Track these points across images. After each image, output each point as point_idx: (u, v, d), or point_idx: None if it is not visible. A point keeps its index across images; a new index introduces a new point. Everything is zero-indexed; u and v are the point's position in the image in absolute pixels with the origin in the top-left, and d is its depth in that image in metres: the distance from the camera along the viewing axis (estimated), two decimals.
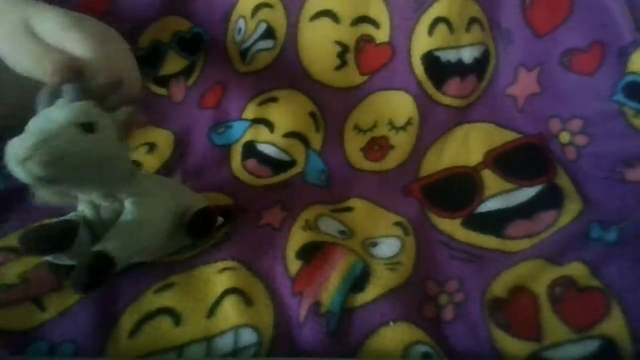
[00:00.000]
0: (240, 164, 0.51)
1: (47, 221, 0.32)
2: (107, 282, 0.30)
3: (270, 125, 0.51)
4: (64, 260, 0.33)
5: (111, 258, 0.30)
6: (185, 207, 0.39)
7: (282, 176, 0.50)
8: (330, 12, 0.50)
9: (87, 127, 0.30)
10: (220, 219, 0.43)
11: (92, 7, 0.49)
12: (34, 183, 0.28)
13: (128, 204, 0.33)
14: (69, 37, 0.34)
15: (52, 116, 0.29)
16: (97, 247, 0.30)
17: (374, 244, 0.42)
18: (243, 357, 0.33)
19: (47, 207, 0.31)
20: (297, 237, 0.40)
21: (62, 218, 0.33)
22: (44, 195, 0.30)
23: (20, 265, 0.37)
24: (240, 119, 0.53)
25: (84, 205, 0.33)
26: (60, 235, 0.31)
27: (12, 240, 0.40)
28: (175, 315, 0.34)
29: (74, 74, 0.32)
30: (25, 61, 0.33)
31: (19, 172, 0.27)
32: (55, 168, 0.27)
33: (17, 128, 0.30)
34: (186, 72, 0.54)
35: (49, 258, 0.33)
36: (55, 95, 0.31)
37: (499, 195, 0.47)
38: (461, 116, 0.54)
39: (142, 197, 0.34)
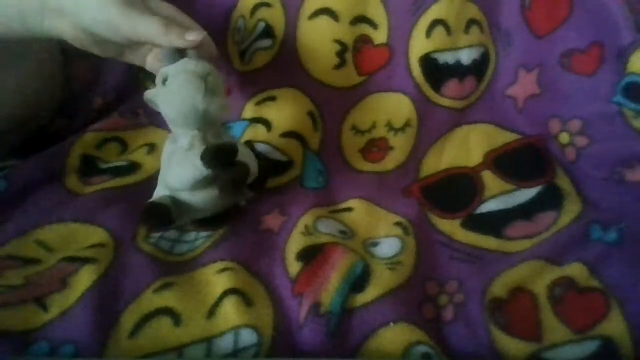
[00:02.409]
0: None
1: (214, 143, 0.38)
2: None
3: (267, 125, 0.51)
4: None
5: (248, 167, 0.40)
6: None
7: (280, 179, 0.50)
8: (330, 10, 0.50)
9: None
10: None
11: None
12: (206, 95, 0.37)
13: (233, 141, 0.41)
14: (182, 15, 0.44)
15: (199, 64, 0.38)
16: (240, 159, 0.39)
17: (375, 244, 0.42)
18: (243, 357, 0.33)
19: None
20: (297, 241, 0.40)
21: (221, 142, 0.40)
22: (200, 113, 0.38)
23: (26, 270, 0.37)
24: (240, 119, 0.53)
25: (198, 143, 0.39)
26: (235, 150, 0.39)
27: (15, 248, 0.39)
28: (175, 316, 0.34)
29: (199, 44, 0.40)
30: (150, 28, 0.39)
31: (199, 83, 0.37)
32: (218, 87, 0.39)
33: (17, 129, 0.30)
34: None
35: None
36: (175, 57, 0.39)
37: (499, 195, 0.47)
38: (461, 117, 0.54)
39: (238, 143, 0.43)
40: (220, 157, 0.37)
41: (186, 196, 0.39)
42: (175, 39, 0.39)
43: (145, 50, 0.45)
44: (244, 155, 0.42)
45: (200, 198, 0.40)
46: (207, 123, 0.39)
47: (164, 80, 0.38)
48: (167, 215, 0.38)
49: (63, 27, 0.41)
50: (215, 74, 0.39)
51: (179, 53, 0.40)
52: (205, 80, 0.37)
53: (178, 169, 0.39)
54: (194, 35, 0.40)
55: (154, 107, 0.39)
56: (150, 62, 0.46)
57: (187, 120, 0.38)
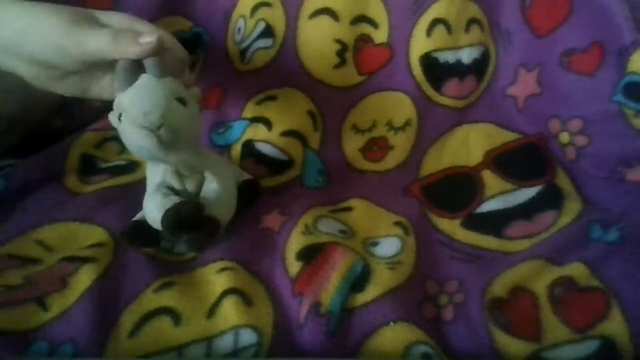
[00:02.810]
0: (239, 164, 0.51)
1: (171, 205, 0.35)
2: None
3: (268, 124, 0.51)
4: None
5: (219, 221, 0.36)
6: (236, 175, 0.43)
7: (280, 178, 0.50)
8: (330, 10, 0.50)
9: (182, 101, 0.35)
10: None
11: (91, 6, 0.49)
12: (162, 150, 0.33)
13: (208, 174, 0.37)
14: (139, 23, 0.38)
15: (155, 89, 0.33)
16: (206, 214, 0.35)
17: (375, 244, 0.42)
18: (243, 357, 0.33)
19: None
20: (297, 240, 0.40)
21: (176, 200, 0.35)
22: (160, 160, 0.34)
23: (25, 270, 0.37)
24: (240, 119, 0.53)
25: (171, 177, 0.36)
26: (195, 215, 0.35)
27: (15, 247, 0.39)
28: (175, 315, 0.34)
29: (157, 47, 0.35)
30: (97, 42, 0.35)
31: (150, 139, 0.32)
32: (177, 133, 0.33)
33: (16, 128, 0.30)
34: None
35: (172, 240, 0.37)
36: (131, 74, 0.34)
37: (499, 195, 0.47)
38: (461, 116, 0.54)
39: (215, 167, 0.38)
40: (179, 224, 0.34)
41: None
42: (128, 47, 0.35)
43: (109, 79, 0.40)
44: (218, 200, 0.37)
45: None
46: (173, 164, 0.36)
47: (120, 117, 0.34)
48: (151, 234, 0.37)
49: (18, 65, 0.38)
50: (173, 117, 0.33)
51: (137, 68, 0.35)
52: (156, 135, 0.32)
53: (149, 206, 0.36)
54: (148, 37, 0.35)
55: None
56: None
57: (151, 161, 0.36)
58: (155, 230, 0.37)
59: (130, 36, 0.35)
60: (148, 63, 0.35)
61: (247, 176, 0.45)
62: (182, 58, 0.40)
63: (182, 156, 0.35)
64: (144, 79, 0.35)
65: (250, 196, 0.44)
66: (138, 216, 0.39)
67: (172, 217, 0.34)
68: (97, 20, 0.37)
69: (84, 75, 0.39)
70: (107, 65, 0.37)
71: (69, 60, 0.36)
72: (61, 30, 0.35)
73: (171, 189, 0.36)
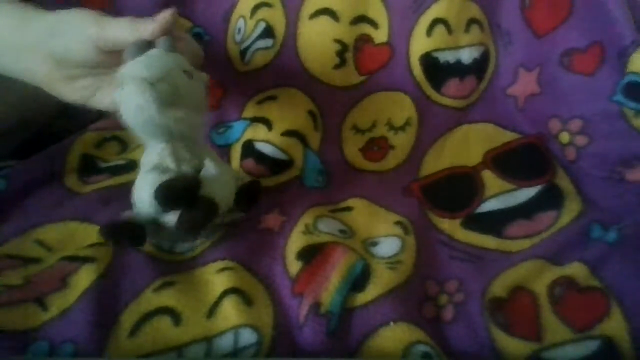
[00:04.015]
0: (239, 163, 0.51)
1: (167, 178, 0.34)
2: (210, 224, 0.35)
3: (268, 124, 0.51)
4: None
5: (216, 202, 0.35)
6: (236, 176, 0.42)
7: (280, 178, 0.50)
8: (330, 10, 0.50)
9: (189, 75, 0.34)
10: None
11: (91, 6, 0.49)
12: (157, 105, 0.31)
13: (208, 162, 0.36)
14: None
15: (159, 57, 0.33)
16: (203, 193, 0.34)
17: (375, 243, 0.42)
18: (243, 357, 0.33)
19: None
20: (297, 240, 0.40)
21: (172, 175, 0.34)
22: (155, 124, 0.33)
23: (25, 270, 0.37)
24: (240, 119, 0.53)
25: (169, 158, 0.35)
26: (192, 188, 0.34)
27: (15, 247, 0.39)
28: (175, 315, 0.34)
29: (171, 23, 0.36)
30: (117, 25, 0.37)
31: (148, 93, 0.31)
32: (177, 94, 0.32)
33: (17, 128, 0.31)
34: None
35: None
36: (142, 50, 0.34)
37: (499, 195, 0.47)
38: (461, 116, 0.54)
39: (214, 157, 0.37)
40: (173, 197, 0.33)
41: (165, 218, 0.36)
42: (145, 27, 0.36)
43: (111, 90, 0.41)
44: (216, 184, 0.36)
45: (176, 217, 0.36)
46: (172, 137, 0.34)
47: (122, 85, 0.33)
48: (135, 231, 0.35)
49: (36, 66, 0.39)
50: (173, 76, 0.33)
51: (147, 47, 0.35)
52: (155, 88, 0.31)
53: (140, 185, 0.35)
54: (164, 14, 0.36)
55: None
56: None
57: (147, 134, 0.34)
58: (140, 227, 0.35)
59: (146, 19, 0.37)
60: (161, 40, 0.35)
61: (247, 178, 0.45)
62: (196, 52, 0.41)
63: (179, 114, 0.34)
64: (153, 50, 0.35)
65: (251, 197, 0.43)
66: (124, 215, 0.37)
67: (166, 190, 0.33)
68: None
69: (92, 80, 0.41)
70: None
71: (92, 52, 0.38)
72: (90, 20, 0.37)
73: (167, 170, 0.35)
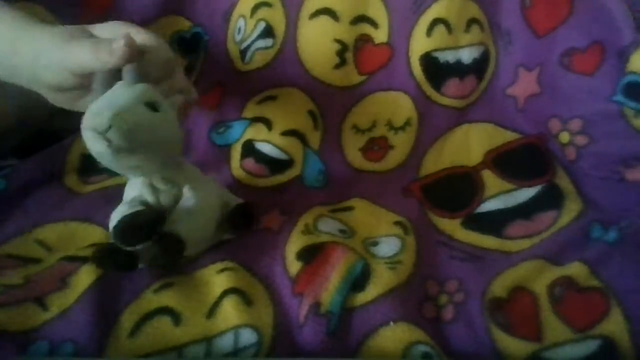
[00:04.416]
0: (239, 163, 0.51)
1: (130, 212, 0.33)
2: (178, 262, 0.34)
3: (268, 124, 0.51)
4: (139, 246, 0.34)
5: (182, 239, 0.33)
6: (225, 200, 0.41)
7: (280, 178, 0.50)
8: (330, 10, 0.50)
9: (152, 106, 0.32)
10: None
11: (92, 6, 0.49)
12: (113, 154, 0.30)
13: (187, 190, 0.35)
14: (132, 29, 0.37)
15: (120, 94, 0.31)
16: (168, 229, 0.33)
17: (375, 243, 0.42)
18: (243, 357, 0.33)
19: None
20: (297, 240, 0.40)
21: (138, 209, 0.33)
22: (118, 167, 0.32)
23: (25, 270, 0.37)
24: (240, 119, 0.53)
25: (146, 190, 0.34)
26: (156, 222, 0.33)
27: (15, 247, 0.39)
28: (175, 315, 0.34)
29: (135, 54, 0.33)
30: (80, 53, 0.34)
31: (100, 142, 0.29)
32: (132, 137, 0.30)
33: (17, 127, 0.31)
34: (186, 72, 0.54)
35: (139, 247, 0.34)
36: (108, 82, 0.33)
37: (499, 195, 0.47)
38: (461, 116, 0.54)
39: (196, 184, 0.36)
40: (130, 235, 0.32)
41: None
42: (106, 57, 0.33)
43: None
44: (190, 216, 0.35)
45: None
46: (141, 174, 0.33)
47: None
48: (124, 260, 0.34)
49: (28, 84, 0.38)
50: (126, 120, 0.30)
51: (114, 77, 0.33)
52: (104, 137, 0.29)
53: (113, 216, 0.34)
54: (117, 43, 0.33)
55: None
56: None
57: (120, 173, 0.33)
58: (131, 253, 0.34)
59: (106, 46, 0.34)
60: (124, 71, 0.33)
61: (239, 200, 0.43)
62: (167, 59, 0.38)
63: (137, 162, 0.32)
64: (115, 86, 0.33)
65: (242, 221, 0.42)
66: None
67: (127, 223, 0.32)
68: (89, 34, 0.37)
69: (97, 93, 0.38)
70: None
71: (68, 77, 0.36)
72: (55, 46, 0.35)
73: (144, 204, 0.34)
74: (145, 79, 0.34)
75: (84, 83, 0.37)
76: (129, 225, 0.32)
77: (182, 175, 0.36)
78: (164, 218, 0.34)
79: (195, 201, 0.35)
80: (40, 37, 0.36)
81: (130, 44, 0.33)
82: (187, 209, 0.35)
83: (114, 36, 0.35)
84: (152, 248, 0.33)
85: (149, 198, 0.34)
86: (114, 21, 0.38)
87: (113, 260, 0.34)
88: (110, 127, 0.29)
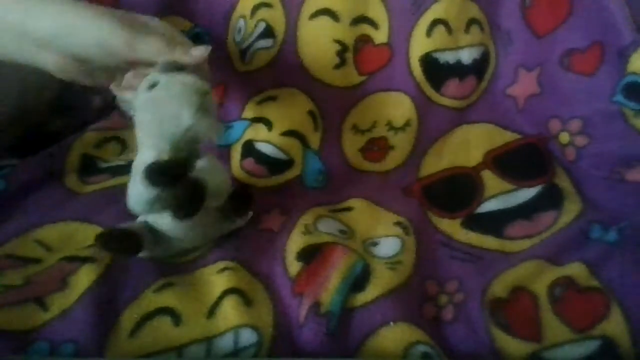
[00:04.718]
0: (239, 163, 0.51)
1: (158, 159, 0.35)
2: (200, 210, 0.35)
3: (268, 124, 0.51)
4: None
5: (204, 185, 0.35)
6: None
7: (280, 178, 0.50)
8: (330, 11, 0.50)
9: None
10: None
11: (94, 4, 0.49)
12: (200, 113, 0.33)
13: (201, 160, 0.37)
14: (178, 33, 0.41)
15: (199, 81, 0.35)
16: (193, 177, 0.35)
17: (375, 244, 0.42)
18: (243, 357, 0.33)
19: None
20: (297, 240, 0.40)
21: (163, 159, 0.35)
22: (197, 124, 0.34)
23: (25, 270, 0.37)
24: (241, 119, 0.53)
25: (169, 153, 0.35)
26: (181, 166, 0.35)
27: (15, 247, 0.39)
28: (175, 315, 0.34)
29: (203, 61, 0.39)
30: (152, 47, 0.37)
31: (194, 99, 0.33)
32: (212, 107, 0.35)
33: (14, 124, 0.31)
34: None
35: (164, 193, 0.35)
36: (171, 70, 0.36)
37: (499, 195, 0.47)
38: (461, 117, 0.54)
39: (208, 158, 0.38)
40: (162, 174, 0.34)
41: (160, 222, 0.37)
42: (180, 55, 0.38)
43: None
44: (208, 174, 0.37)
45: (176, 225, 0.37)
46: (184, 139, 0.35)
47: (152, 86, 0.34)
48: (129, 243, 0.35)
49: (47, 60, 0.38)
50: (212, 98, 0.35)
51: (177, 69, 0.36)
52: (203, 97, 0.34)
53: (132, 188, 0.35)
54: (200, 51, 0.38)
55: (126, 108, 0.36)
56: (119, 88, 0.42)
57: (163, 132, 0.34)
58: (136, 236, 0.36)
59: (183, 47, 0.38)
60: (189, 69, 0.37)
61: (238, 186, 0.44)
62: (208, 77, 0.42)
63: (213, 123, 0.35)
64: (183, 74, 0.36)
65: (243, 201, 0.42)
66: (120, 225, 0.38)
67: (155, 166, 0.34)
68: (146, 26, 0.39)
69: (118, 68, 0.40)
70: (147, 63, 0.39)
71: (113, 59, 0.38)
72: (113, 32, 0.36)
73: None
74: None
75: (128, 66, 0.39)
76: (160, 166, 0.34)
77: (202, 152, 0.38)
78: (190, 165, 0.36)
79: (210, 165, 0.38)
80: (86, 13, 0.37)
81: (206, 53, 0.39)
82: (203, 168, 0.37)
83: (168, 35, 0.39)
84: (177, 192, 0.34)
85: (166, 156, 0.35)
86: (162, 21, 0.41)
87: (118, 243, 0.36)
88: (208, 92, 0.34)
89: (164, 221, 0.36)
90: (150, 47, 0.37)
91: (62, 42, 0.37)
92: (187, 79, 0.34)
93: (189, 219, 0.36)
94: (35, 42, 0.37)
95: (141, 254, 0.38)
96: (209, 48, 0.39)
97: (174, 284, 0.36)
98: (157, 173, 0.34)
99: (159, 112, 0.34)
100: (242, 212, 0.42)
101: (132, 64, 0.39)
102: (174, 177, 0.34)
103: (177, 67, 0.36)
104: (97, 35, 0.37)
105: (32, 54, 0.38)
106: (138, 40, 0.37)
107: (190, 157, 0.36)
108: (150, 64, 0.38)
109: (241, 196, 0.42)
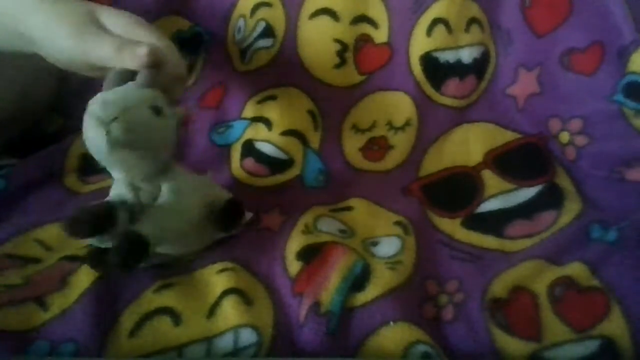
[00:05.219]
0: (239, 163, 0.51)
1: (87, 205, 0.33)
2: (141, 262, 0.32)
3: (268, 123, 0.51)
4: (107, 242, 0.34)
5: (144, 238, 0.32)
6: (214, 197, 0.40)
7: (280, 178, 0.50)
8: (330, 10, 0.50)
9: (157, 111, 0.33)
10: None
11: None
12: (109, 145, 0.31)
13: (165, 189, 0.35)
14: (142, 31, 0.38)
15: (130, 92, 0.33)
16: (133, 228, 0.32)
17: (375, 243, 0.42)
18: (243, 357, 0.33)
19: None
20: (297, 240, 0.40)
21: (103, 201, 0.34)
22: (106, 159, 0.32)
23: (25, 270, 0.37)
24: (240, 119, 0.53)
25: (126, 187, 0.34)
26: (103, 217, 0.33)
27: (15, 247, 0.39)
28: (175, 315, 0.34)
29: (155, 61, 0.36)
30: (101, 51, 0.36)
31: (100, 133, 0.30)
32: (132, 134, 0.31)
33: (12, 122, 0.31)
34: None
35: (93, 241, 0.34)
36: (122, 80, 0.34)
37: (499, 195, 0.47)
38: (461, 116, 0.54)
39: (178, 183, 0.36)
40: (76, 227, 0.32)
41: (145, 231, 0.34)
42: (129, 60, 0.35)
43: None
44: (163, 214, 0.35)
45: (161, 235, 0.34)
46: (127, 171, 0.34)
47: None
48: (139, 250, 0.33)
49: (50, 55, 0.39)
50: (131, 116, 0.31)
51: (128, 76, 0.35)
52: (107, 127, 0.30)
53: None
54: (142, 50, 0.35)
55: None
56: None
57: (107, 166, 0.34)
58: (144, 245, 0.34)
59: (132, 49, 0.35)
60: (140, 73, 0.35)
61: (231, 196, 0.42)
62: (179, 75, 0.39)
63: (131, 161, 0.33)
64: (127, 84, 0.34)
65: (230, 218, 0.41)
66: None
67: (75, 215, 0.32)
68: (104, 23, 0.38)
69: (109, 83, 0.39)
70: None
71: (75, 65, 0.37)
72: (67, 36, 0.36)
73: (122, 202, 0.35)
74: (155, 85, 0.35)
75: (95, 70, 0.38)
76: (75, 217, 0.32)
77: (165, 175, 0.36)
78: (115, 214, 0.33)
79: (171, 199, 0.35)
80: (53, 17, 0.36)
81: (154, 52, 0.35)
82: (162, 207, 0.35)
83: (127, 32, 0.37)
84: (115, 248, 0.32)
85: (128, 196, 0.35)
86: (127, 14, 0.39)
87: (106, 261, 0.34)
88: (115, 119, 0.30)
89: (147, 231, 0.34)
90: (100, 53, 0.36)
91: (40, 45, 0.37)
92: (94, 107, 0.31)
93: (128, 271, 0.34)
94: (28, 39, 0.37)
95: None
96: (149, 46, 0.35)
97: (173, 284, 0.36)
98: (75, 225, 0.32)
99: (90, 149, 0.33)
100: (230, 229, 0.41)
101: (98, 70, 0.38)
102: (91, 228, 0.33)
103: (125, 76, 0.34)
104: (56, 40, 0.36)
105: (31, 44, 0.38)
106: (88, 44, 0.36)
107: (157, 194, 0.35)
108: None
109: (230, 213, 0.41)
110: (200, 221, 0.38)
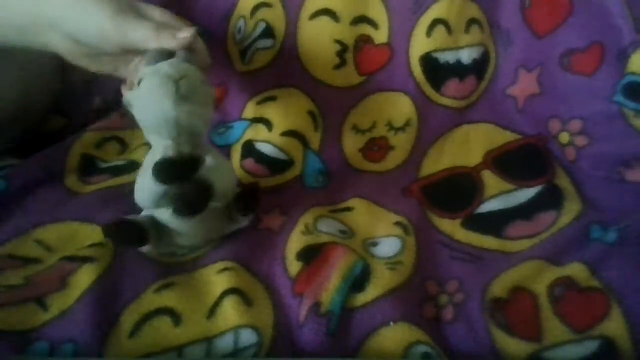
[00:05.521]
0: (239, 164, 0.51)
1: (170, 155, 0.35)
2: (205, 209, 0.36)
3: (268, 124, 0.51)
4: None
5: (210, 184, 0.36)
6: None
7: (280, 178, 0.50)
8: (330, 11, 0.50)
9: (204, 82, 0.36)
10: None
11: None
12: (178, 98, 0.33)
13: (209, 158, 0.37)
14: (175, 21, 0.43)
15: (182, 64, 0.36)
16: (199, 176, 0.35)
17: (375, 244, 0.42)
18: (243, 357, 0.33)
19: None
20: (297, 240, 0.40)
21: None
22: (167, 120, 0.34)
23: (25, 270, 0.37)
24: (240, 119, 0.53)
25: (173, 152, 0.35)
26: (191, 163, 0.36)
27: (15, 247, 0.39)
28: (175, 316, 0.34)
29: (191, 42, 0.39)
30: (141, 33, 0.38)
31: (170, 88, 0.33)
32: (195, 94, 0.35)
33: (13, 122, 0.31)
34: None
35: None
36: (162, 58, 0.36)
37: (499, 195, 0.47)
38: (461, 117, 0.54)
39: (218, 159, 0.38)
40: (170, 171, 0.34)
41: (166, 218, 0.37)
42: (167, 41, 0.38)
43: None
44: (215, 172, 0.37)
45: (180, 222, 0.37)
46: (180, 132, 0.35)
47: (139, 82, 0.35)
48: (135, 234, 0.36)
49: (56, 42, 0.41)
50: (193, 78, 0.35)
51: (167, 55, 0.37)
52: (177, 84, 0.33)
53: (139, 183, 0.36)
54: (185, 32, 0.39)
55: (132, 111, 0.36)
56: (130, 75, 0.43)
57: (158, 128, 0.35)
58: (142, 228, 0.36)
59: (170, 31, 0.38)
60: (180, 52, 0.38)
61: (245, 184, 0.44)
62: (206, 62, 0.43)
63: (194, 108, 0.35)
64: (171, 60, 0.36)
65: (250, 200, 0.42)
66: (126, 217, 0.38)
67: (163, 166, 0.34)
68: (140, 12, 0.41)
69: (117, 56, 0.42)
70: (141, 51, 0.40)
71: (108, 44, 0.39)
72: (106, 17, 0.38)
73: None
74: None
75: (123, 53, 0.40)
76: (168, 163, 0.34)
77: (205, 146, 0.38)
78: (199, 163, 0.36)
79: (217, 163, 0.38)
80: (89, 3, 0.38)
81: (195, 35, 0.39)
82: (210, 167, 0.37)
83: (162, 21, 0.41)
84: (183, 190, 0.35)
85: (171, 153, 0.36)
86: (159, 8, 0.43)
87: (124, 233, 0.36)
88: (183, 77, 0.34)
89: (169, 217, 0.37)
90: (139, 34, 0.38)
91: (62, 24, 0.39)
92: (163, 67, 0.35)
93: (191, 218, 0.37)
94: (44, 26, 0.39)
95: (144, 249, 0.38)
96: (194, 29, 0.39)
97: (174, 284, 0.36)
98: (165, 170, 0.34)
99: (145, 109, 0.35)
100: (248, 212, 0.42)
101: (130, 52, 0.40)
102: (180, 174, 0.35)
103: (164, 55, 0.37)
104: (92, 19, 0.38)
105: (44, 35, 0.40)
106: (128, 26, 0.38)
107: (195, 153, 0.36)
108: (142, 52, 0.39)
109: (248, 196, 0.42)
110: (227, 203, 0.40)
